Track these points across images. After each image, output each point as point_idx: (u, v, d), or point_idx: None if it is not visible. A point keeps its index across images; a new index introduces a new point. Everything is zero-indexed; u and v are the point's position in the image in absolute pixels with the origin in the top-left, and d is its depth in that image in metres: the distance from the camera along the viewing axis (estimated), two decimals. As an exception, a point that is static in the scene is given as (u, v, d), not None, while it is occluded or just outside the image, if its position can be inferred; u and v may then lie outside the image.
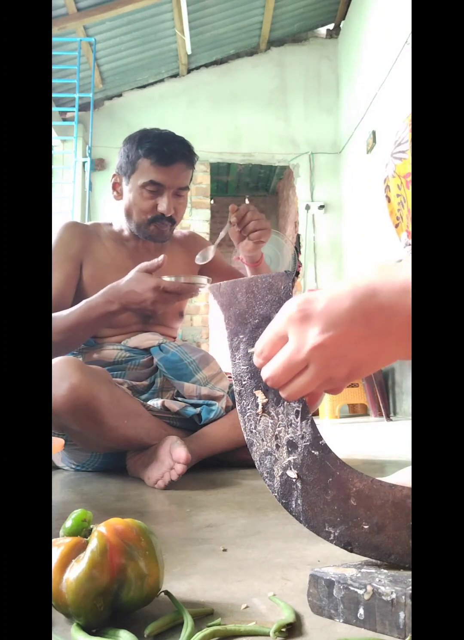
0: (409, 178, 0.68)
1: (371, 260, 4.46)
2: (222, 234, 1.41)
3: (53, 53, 4.56)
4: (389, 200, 0.73)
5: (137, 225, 1.53)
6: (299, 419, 0.55)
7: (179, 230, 1.78)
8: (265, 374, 0.51)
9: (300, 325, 0.48)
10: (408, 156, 0.67)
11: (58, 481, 1.32)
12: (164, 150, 1.45)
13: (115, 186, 1.58)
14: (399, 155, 0.69)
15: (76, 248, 1.53)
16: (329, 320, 0.48)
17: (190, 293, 1.30)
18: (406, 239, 0.71)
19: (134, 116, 5.32)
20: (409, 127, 0.67)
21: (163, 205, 1.48)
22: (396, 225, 0.73)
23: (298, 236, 5.48)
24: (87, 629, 0.46)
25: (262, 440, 0.56)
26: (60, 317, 1.33)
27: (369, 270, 0.50)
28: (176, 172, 1.48)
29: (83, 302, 1.34)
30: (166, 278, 1.29)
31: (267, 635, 0.45)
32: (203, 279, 1.33)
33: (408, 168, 0.68)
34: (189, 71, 5.59)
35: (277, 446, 0.55)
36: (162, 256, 1.29)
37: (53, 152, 5.01)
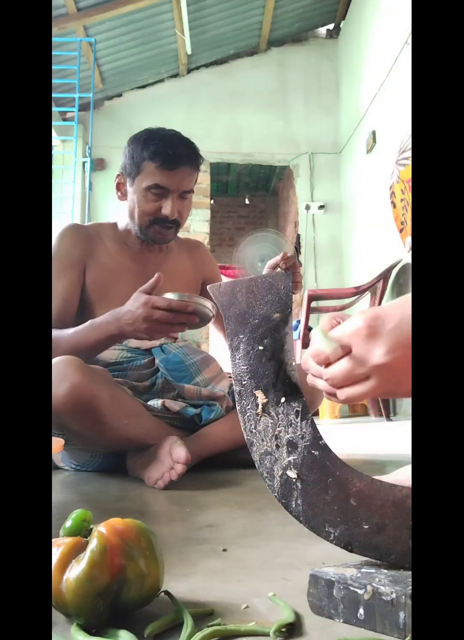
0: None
1: (370, 260, 4.45)
2: (265, 268, 1.38)
3: (53, 53, 4.56)
4: (394, 206, 0.74)
5: (140, 226, 1.53)
6: (299, 419, 0.55)
7: (188, 237, 1.78)
8: (326, 375, 0.53)
9: (365, 340, 0.49)
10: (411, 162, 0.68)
11: (58, 481, 1.32)
12: (169, 154, 1.44)
13: (119, 187, 1.56)
14: (403, 162, 0.69)
15: (78, 254, 1.52)
16: (396, 341, 0.48)
17: (183, 310, 1.20)
18: (410, 243, 0.71)
19: (134, 116, 5.31)
20: None
21: (167, 208, 1.47)
22: (401, 231, 0.73)
23: (298, 236, 5.48)
24: (87, 629, 0.46)
25: (262, 440, 0.56)
26: (64, 336, 1.32)
27: None
28: (181, 176, 1.47)
29: (88, 322, 1.33)
30: (169, 295, 1.23)
31: (267, 635, 0.45)
32: (205, 302, 1.22)
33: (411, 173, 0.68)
34: (189, 71, 5.59)
35: (277, 446, 0.55)
36: (157, 274, 1.25)
37: (53, 152, 5.00)
